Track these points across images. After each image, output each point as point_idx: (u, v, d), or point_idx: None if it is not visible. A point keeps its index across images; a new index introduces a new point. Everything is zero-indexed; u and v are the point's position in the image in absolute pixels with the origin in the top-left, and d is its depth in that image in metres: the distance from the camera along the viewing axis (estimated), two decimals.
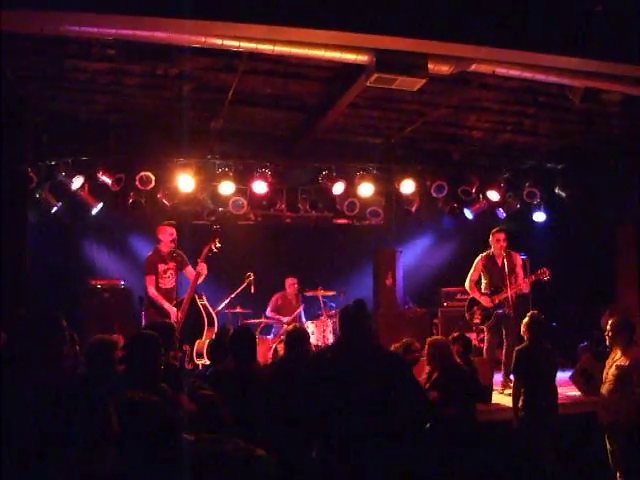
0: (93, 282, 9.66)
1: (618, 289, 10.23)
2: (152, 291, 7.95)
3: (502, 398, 7.42)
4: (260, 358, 7.43)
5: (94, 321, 9.00)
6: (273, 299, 10.37)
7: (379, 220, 11.38)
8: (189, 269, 8.21)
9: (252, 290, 9.18)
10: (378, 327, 9.97)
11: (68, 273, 9.91)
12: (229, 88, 8.13)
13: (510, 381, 7.37)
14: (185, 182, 9.76)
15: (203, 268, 7.94)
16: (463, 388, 5.71)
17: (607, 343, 6.02)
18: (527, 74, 6.95)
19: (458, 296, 10.67)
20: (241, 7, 5.48)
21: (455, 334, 6.50)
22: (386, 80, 6.60)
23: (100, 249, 10.67)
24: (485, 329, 8.46)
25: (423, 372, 5.90)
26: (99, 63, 7.42)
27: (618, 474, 5.74)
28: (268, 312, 10.25)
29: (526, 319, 6.20)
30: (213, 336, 7.61)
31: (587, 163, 10.80)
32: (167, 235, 8.15)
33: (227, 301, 9.20)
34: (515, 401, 6.05)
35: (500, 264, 8.27)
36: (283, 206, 10.95)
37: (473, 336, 9.01)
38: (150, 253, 8.29)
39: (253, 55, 6.87)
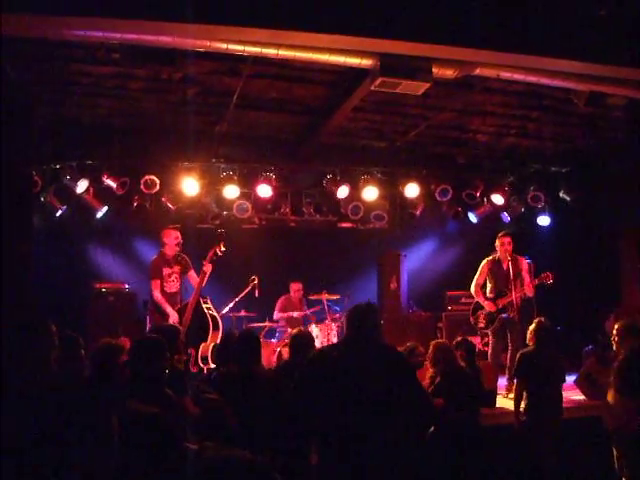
0: (98, 286, 9.67)
1: (622, 293, 10.21)
2: (157, 295, 7.95)
3: (506, 402, 7.41)
4: (264, 362, 7.43)
5: (99, 324, 9.01)
6: (279, 301, 10.39)
7: (383, 224, 11.39)
8: (192, 273, 8.21)
9: (256, 293, 9.20)
10: (382, 331, 9.95)
11: (73, 276, 9.92)
12: (234, 92, 8.15)
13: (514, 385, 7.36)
14: (189, 186, 9.78)
15: (208, 268, 7.95)
16: (467, 392, 5.70)
17: (614, 347, 5.98)
18: (531, 78, 6.96)
19: (462, 300, 10.67)
20: (245, 11, 5.49)
21: (458, 339, 6.49)
22: (390, 84, 6.61)
23: (105, 252, 10.69)
24: (489, 333, 8.46)
25: (426, 375, 5.90)
26: (104, 67, 7.44)
27: None
28: (276, 314, 10.26)
29: (533, 325, 6.18)
30: (218, 339, 7.62)
31: (591, 167, 10.79)
32: (172, 239, 8.16)
33: (231, 304, 9.22)
34: (516, 404, 6.03)
35: (505, 268, 8.25)
36: (287, 210, 10.96)
37: (477, 340, 9.03)
38: (155, 257, 8.29)
39: (257, 59, 6.87)
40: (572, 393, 7.72)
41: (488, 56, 6.34)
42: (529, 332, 6.19)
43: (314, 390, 3.95)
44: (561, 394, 6.14)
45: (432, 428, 5.32)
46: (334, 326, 9.61)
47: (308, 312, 10.23)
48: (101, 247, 10.68)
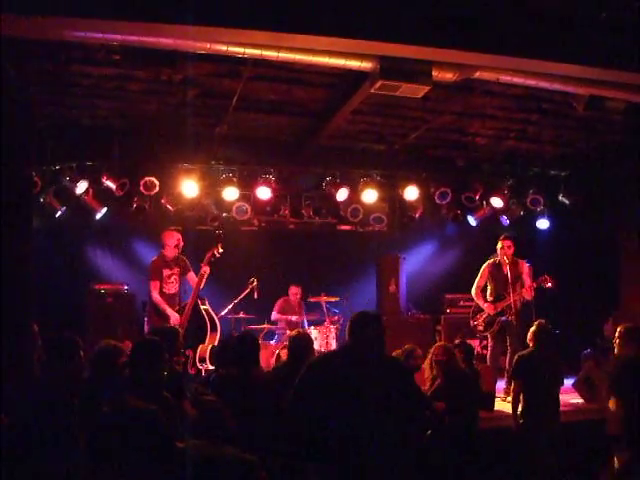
0: (97, 287, 9.69)
1: (621, 296, 10.21)
2: (156, 296, 7.96)
3: (505, 405, 7.41)
4: (263, 364, 7.44)
5: (98, 326, 9.03)
6: (278, 302, 10.39)
7: (382, 226, 11.40)
8: (191, 275, 8.23)
9: (255, 295, 9.21)
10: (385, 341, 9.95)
11: (72, 277, 9.92)
12: (233, 94, 8.15)
13: None
14: (189, 187, 9.78)
15: (206, 269, 7.96)
16: (466, 394, 5.70)
17: (615, 351, 5.97)
18: (531, 81, 6.96)
19: (461, 303, 10.69)
20: (246, 14, 5.49)
21: (457, 341, 6.51)
22: (390, 87, 6.61)
23: (104, 254, 10.69)
24: (488, 336, 8.47)
25: (424, 378, 5.90)
26: (104, 68, 7.44)
27: None
28: (274, 315, 10.26)
29: (533, 328, 6.19)
30: (216, 341, 7.63)
31: (591, 170, 10.79)
32: (173, 240, 8.18)
33: (230, 306, 9.22)
34: (514, 406, 6.03)
35: (505, 271, 8.26)
36: (287, 212, 10.97)
37: (476, 343, 9.04)
38: (155, 258, 8.30)
39: (258, 61, 6.87)
40: (570, 396, 7.72)
41: (488, 59, 6.34)
42: (529, 334, 6.20)
43: (313, 396, 3.95)
44: (558, 395, 6.14)
45: (429, 431, 5.33)
46: (333, 328, 9.61)
47: (305, 319, 10.22)
48: (100, 248, 10.68)
